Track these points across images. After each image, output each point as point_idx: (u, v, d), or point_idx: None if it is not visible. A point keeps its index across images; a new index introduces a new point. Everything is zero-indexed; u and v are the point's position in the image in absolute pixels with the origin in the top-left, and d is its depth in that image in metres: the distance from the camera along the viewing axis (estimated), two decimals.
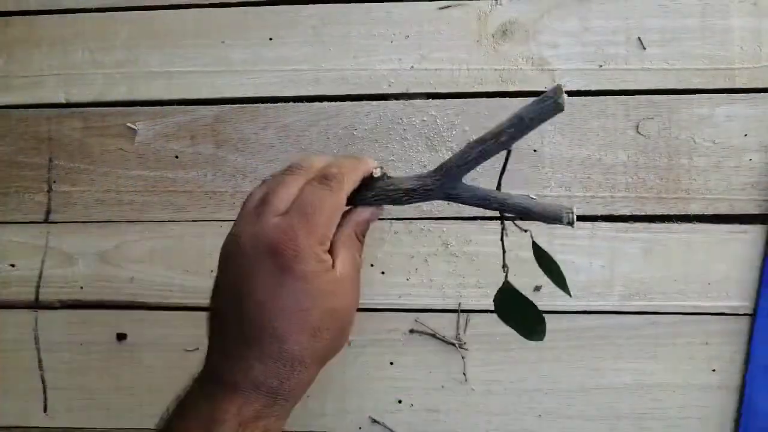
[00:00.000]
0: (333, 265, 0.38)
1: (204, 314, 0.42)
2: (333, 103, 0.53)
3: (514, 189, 0.52)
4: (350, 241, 0.40)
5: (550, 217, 0.36)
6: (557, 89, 0.33)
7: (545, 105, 0.33)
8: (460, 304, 0.52)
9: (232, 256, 0.38)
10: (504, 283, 0.39)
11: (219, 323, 0.38)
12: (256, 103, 0.54)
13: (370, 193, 0.40)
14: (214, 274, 0.41)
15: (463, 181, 0.38)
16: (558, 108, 0.33)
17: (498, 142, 0.35)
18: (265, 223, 0.37)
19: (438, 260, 0.52)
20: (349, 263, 0.39)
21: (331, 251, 0.38)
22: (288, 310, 0.36)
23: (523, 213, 0.37)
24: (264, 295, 0.36)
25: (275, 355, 0.36)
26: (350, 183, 0.38)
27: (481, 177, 0.51)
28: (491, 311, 0.52)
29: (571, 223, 0.36)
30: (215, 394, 0.37)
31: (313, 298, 0.36)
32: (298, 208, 0.37)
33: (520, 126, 0.34)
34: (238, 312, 0.37)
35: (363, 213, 0.40)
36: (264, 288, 0.36)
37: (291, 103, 0.53)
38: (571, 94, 0.51)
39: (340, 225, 0.39)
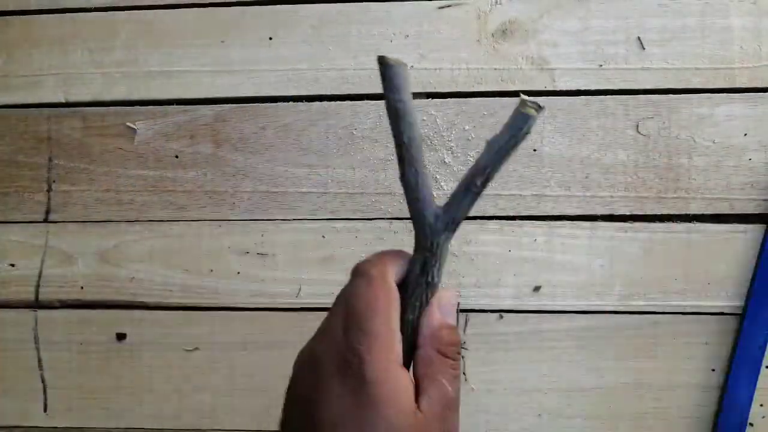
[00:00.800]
0: (416, 401, 0.28)
1: (202, 313, 0.42)
2: (332, 102, 0.53)
3: (514, 189, 0.52)
4: (434, 364, 0.30)
5: (521, 127, 0.32)
6: (521, 103, 0.31)
7: (517, 122, 0.31)
8: (459, 303, 0.52)
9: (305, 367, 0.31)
10: None
11: None
12: (256, 102, 0.53)
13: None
14: (214, 273, 0.40)
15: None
16: (528, 123, 0.31)
17: (480, 185, 0.32)
18: (334, 332, 0.30)
19: None
20: (437, 398, 0.29)
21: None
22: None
23: (503, 154, 0.32)
24: (335, 418, 0.28)
25: None
26: (388, 266, 0.31)
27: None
28: (491, 311, 0.52)
29: (540, 109, 0.31)
30: None
31: (395, 426, 0.27)
32: (357, 311, 0.30)
33: (497, 158, 0.31)
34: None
35: (441, 305, 0.31)
36: (334, 409, 0.29)
37: (290, 103, 0.53)
38: (570, 93, 0.51)
39: (415, 345, 0.30)
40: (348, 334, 0.29)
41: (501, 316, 0.52)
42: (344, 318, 0.30)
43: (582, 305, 0.51)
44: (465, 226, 0.52)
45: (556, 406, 0.52)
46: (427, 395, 0.29)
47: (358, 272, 0.31)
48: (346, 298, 0.31)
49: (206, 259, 0.53)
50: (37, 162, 0.55)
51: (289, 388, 0.32)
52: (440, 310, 0.31)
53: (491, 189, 0.52)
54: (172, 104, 0.54)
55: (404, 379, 0.28)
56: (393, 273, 0.31)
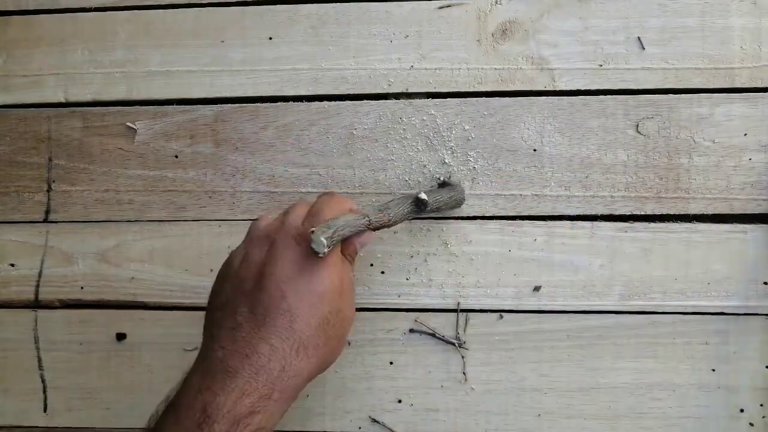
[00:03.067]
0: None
1: (202, 313, 0.42)
2: (332, 102, 0.53)
3: (514, 189, 0.52)
4: (350, 259, 0.43)
5: (409, 210, 0.46)
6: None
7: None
8: (459, 303, 0.52)
9: (256, 241, 0.41)
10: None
11: (227, 309, 0.39)
12: (256, 102, 0.53)
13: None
14: (214, 273, 0.41)
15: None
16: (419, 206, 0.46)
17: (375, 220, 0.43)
18: (292, 220, 0.41)
19: (437, 260, 0.52)
20: (350, 276, 0.43)
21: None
22: (304, 292, 0.38)
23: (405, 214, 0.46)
24: (284, 275, 0.39)
25: (283, 334, 0.38)
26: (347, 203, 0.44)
27: (483, 176, 0.52)
28: (491, 311, 0.52)
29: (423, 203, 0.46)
30: (210, 386, 0.36)
31: (327, 289, 0.39)
32: (318, 211, 0.41)
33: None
34: (255, 292, 0.39)
35: (365, 236, 0.43)
36: (285, 269, 0.39)
37: (290, 103, 0.53)
38: (570, 93, 0.51)
39: (344, 245, 0.42)
40: (305, 222, 0.41)
41: (501, 316, 0.52)
42: (305, 215, 0.41)
43: (582, 305, 0.51)
44: (465, 226, 0.52)
45: (556, 406, 0.52)
46: (348, 270, 0.43)
47: (327, 193, 0.44)
48: (316, 203, 0.42)
49: (206, 259, 0.53)
50: (36, 162, 0.55)
51: (235, 262, 0.41)
52: (368, 237, 0.43)
53: (491, 189, 0.52)
54: (172, 104, 0.54)
55: (340, 254, 0.42)
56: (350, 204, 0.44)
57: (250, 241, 0.42)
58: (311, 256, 0.38)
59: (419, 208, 0.46)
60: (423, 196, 0.45)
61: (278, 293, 0.38)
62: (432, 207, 0.47)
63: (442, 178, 0.52)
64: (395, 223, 0.45)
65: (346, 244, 0.42)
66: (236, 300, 0.39)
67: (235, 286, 0.40)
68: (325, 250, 0.38)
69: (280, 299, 0.38)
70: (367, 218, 0.42)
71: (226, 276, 0.42)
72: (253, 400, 0.36)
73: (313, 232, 0.38)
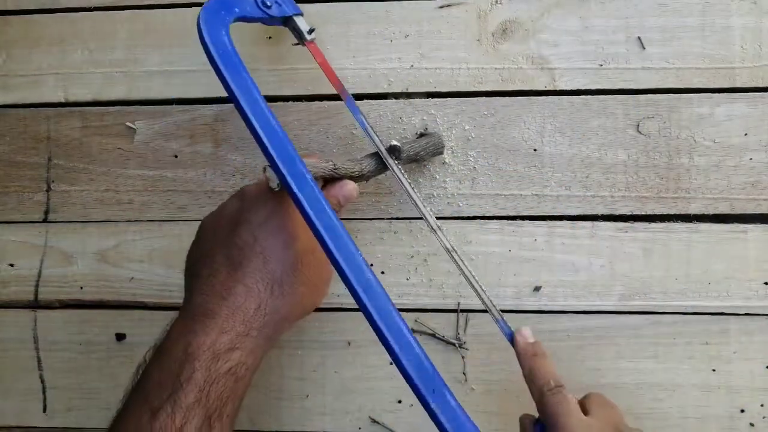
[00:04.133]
0: None
1: None
2: (332, 102, 0.53)
3: (514, 189, 0.52)
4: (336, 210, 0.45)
5: (382, 160, 0.47)
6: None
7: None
8: (459, 303, 0.52)
9: (232, 197, 0.44)
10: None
11: (206, 259, 0.42)
12: None
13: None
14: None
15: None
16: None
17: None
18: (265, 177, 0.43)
19: (438, 260, 0.52)
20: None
21: None
22: (276, 233, 0.41)
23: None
24: (257, 221, 0.41)
25: (257, 274, 0.40)
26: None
27: (482, 177, 0.51)
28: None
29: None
30: (191, 328, 0.38)
31: (299, 231, 0.42)
32: None
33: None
34: (231, 238, 0.41)
35: (345, 188, 0.45)
36: (257, 215, 0.42)
37: (290, 102, 0.53)
38: (571, 93, 0.51)
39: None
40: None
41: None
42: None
43: (582, 305, 0.51)
44: (465, 226, 0.52)
45: None
46: None
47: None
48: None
49: None
50: (36, 162, 0.55)
51: (211, 216, 0.44)
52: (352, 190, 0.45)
53: (491, 189, 0.52)
54: (172, 104, 0.54)
55: None
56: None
57: (227, 201, 0.45)
58: (282, 202, 0.41)
59: (394, 156, 0.46)
60: (395, 142, 0.46)
61: (251, 237, 0.41)
62: (407, 154, 0.48)
63: (419, 132, 0.52)
64: (370, 174, 0.46)
65: (327, 196, 0.43)
66: (213, 249, 0.42)
67: (212, 237, 0.43)
68: (275, 185, 0.41)
69: (254, 242, 0.41)
70: (332, 163, 0.43)
71: (203, 229, 0.44)
72: (231, 337, 0.38)
73: (265, 168, 0.41)
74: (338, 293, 0.53)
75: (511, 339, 0.45)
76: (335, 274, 0.41)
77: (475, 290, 0.45)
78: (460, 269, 0.45)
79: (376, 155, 0.47)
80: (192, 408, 0.36)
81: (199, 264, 0.42)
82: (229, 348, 0.38)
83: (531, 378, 0.43)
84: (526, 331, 0.45)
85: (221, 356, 0.38)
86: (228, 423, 0.38)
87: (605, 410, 0.42)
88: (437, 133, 0.51)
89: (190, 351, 0.37)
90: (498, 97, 0.52)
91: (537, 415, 0.43)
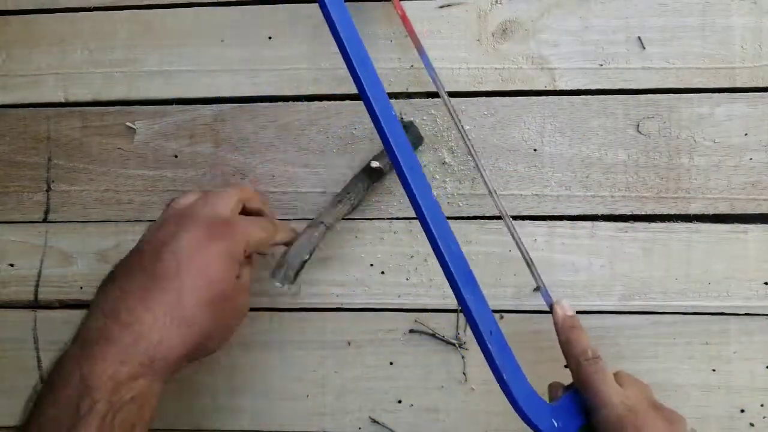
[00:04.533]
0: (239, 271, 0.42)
1: None
2: (332, 102, 0.53)
3: (514, 189, 0.52)
4: (251, 258, 0.45)
5: (368, 185, 0.49)
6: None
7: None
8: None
9: (167, 218, 0.42)
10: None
11: (120, 279, 0.40)
12: (255, 102, 0.53)
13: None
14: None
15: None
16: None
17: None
18: (208, 204, 0.43)
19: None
20: (248, 272, 0.44)
21: None
22: (199, 271, 0.39)
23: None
24: (183, 253, 0.39)
25: (168, 307, 0.38)
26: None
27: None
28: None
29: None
30: (89, 355, 0.36)
31: (222, 275, 0.40)
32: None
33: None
34: (153, 263, 0.39)
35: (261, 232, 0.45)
36: (185, 247, 0.40)
37: (290, 103, 0.53)
38: (571, 93, 0.51)
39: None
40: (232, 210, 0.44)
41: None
42: (226, 202, 0.44)
43: (582, 305, 0.51)
44: (465, 226, 0.52)
45: None
46: (246, 269, 0.44)
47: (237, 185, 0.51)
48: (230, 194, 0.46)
49: None
50: (36, 162, 0.55)
51: (144, 235, 0.42)
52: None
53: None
54: (172, 104, 0.54)
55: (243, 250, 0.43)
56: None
57: (163, 218, 0.43)
58: (222, 239, 0.41)
59: (377, 176, 0.46)
60: (375, 164, 0.46)
61: (173, 267, 0.39)
62: (388, 168, 0.49)
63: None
64: (359, 203, 0.47)
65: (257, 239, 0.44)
66: (133, 269, 0.40)
67: (136, 256, 0.41)
68: (282, 285, 0.43)
69: (174, 274, 0.39)
70: (323, 225, 0.43)
71: (135, 248, 0.42)
72: (134, 366, 0.36)
73: (273, 274, 0.43)
74: (338, 293, 0.53)
75: (551, 307, 0.46)
76: (246, 320, 0.44)
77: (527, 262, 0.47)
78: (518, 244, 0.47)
79: (357, 182, 0.49)
80: None
81: (111, 284, 0.40)
82: (131, 377, 0.36)
83: (568, 347, 0.44)
84: (566, 303, 0.46)
85: (123, 385, 0.35)
86: None
87: (638, 385, 0.43)
88: (413, 125, 0.51)
89: (89, 382, 0.35)
90: (498, 97, 0.52)
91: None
